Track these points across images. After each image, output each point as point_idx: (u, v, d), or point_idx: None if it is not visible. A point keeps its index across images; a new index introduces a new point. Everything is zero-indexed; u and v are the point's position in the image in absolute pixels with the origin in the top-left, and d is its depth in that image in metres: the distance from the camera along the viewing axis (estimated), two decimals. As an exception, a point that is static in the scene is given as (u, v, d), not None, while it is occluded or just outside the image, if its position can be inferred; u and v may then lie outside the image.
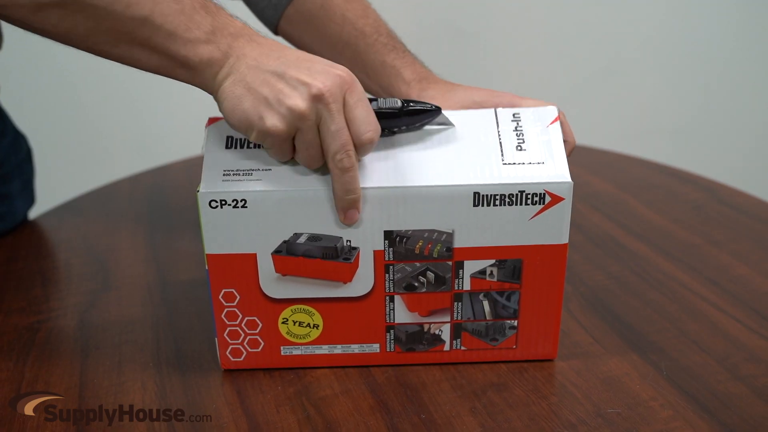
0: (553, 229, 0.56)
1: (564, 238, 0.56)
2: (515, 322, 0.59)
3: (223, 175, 0.55)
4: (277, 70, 0.51)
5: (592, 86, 1.80)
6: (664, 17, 1.78)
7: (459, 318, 0.59)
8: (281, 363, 0.60)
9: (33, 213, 0.93)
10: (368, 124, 0.52)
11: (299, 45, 0.78)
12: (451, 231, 0.55)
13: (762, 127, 1.93)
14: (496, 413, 0.55)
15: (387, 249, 0.56)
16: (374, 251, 0.56)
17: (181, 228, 0.87)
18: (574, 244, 0.80)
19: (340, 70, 0.52)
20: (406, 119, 0.57)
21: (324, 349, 0.60)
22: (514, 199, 0.54)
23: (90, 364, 0.62)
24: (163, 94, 1.60)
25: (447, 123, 0.58)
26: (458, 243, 0.56)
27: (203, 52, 0.52)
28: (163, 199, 0.96)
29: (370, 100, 0.54)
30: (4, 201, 0.85)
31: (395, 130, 0.57)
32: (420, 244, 0.56)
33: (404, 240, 0.56)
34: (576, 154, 1.08)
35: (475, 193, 0.54)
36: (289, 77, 0.50)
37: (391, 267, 0.57)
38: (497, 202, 0.54)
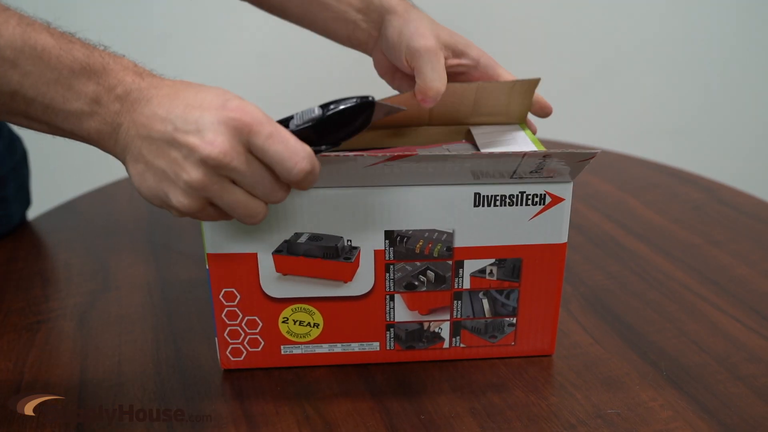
0: (552, 228, 0.56)
1: (563, 238, 0.56)
2: (514, 320, 0.59)
3: None
4: (166, 135, 0.44)
5: (592, 86, 1.80)
6: (664, 17, 1.78)
7: (459, 316, 0.59)
8: (281, 362, 0.60)
9: (33, 213, 0.93)
10: (292, 157, 0.44)
11: (270, 6, 0.71)
12: (451, 231, 0.56)
13: (762, 127, 1.93)
14: (495, 414, 0.55)
15: (387, 248, 0.56)
16: (375, 251, 0.56)
17: (181, 228, 0.87)
18: (574, 244, 0.80)
19: (234, 112, 0.43)
20: (340, 125, 0.48)
21: (324, 348, 0.60)
22: (514, 199, 0.54)
23: (90, 364, 0.62)
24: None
25: (394, 109, 0.52)
26: (458, 243, 0.56)
27: (89, 127, 0.45)
28: (163, 199, 0.96)
29: (285, 121, 0.48)
30: (0, 205, 0.85)
31: (323, 147, 0.48)
32: (420, 243, 0.56)
33: (405, 239, 0.56)
34: (576, 154, 1.08)
35: (476, 194, 0.54)
36: (179, 143, 0.43)
37: (391, 266, 0.57)
38: (498, 203, 0.55)
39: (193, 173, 0.43)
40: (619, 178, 0.99)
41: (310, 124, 0.47)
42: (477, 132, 0.65)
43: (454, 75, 0.62)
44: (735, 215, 0.87)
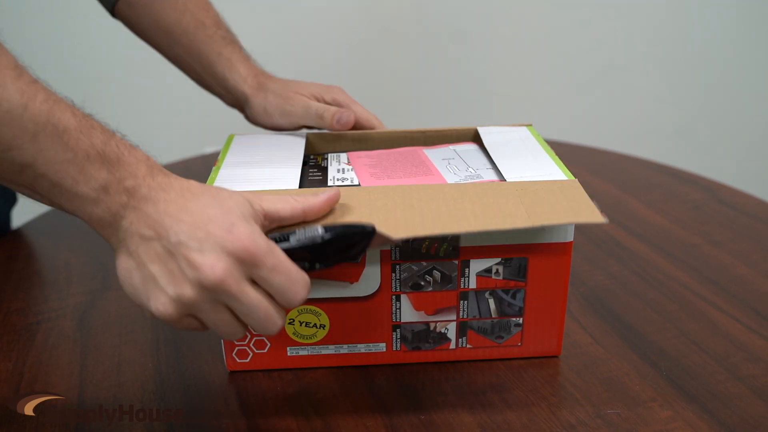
0: (558, 227, 0.56)
1: (569, 236, 0.56)
2: (520, 320, 0.59)
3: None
4: (168, 245, 0.44)
5: (592, 86, 1.80)
6: (664, 17, 1.78)
7: (465, 316, 0.59)
8: (287, 364, 0.60)
9: (32, 213, 0.93)
10: (293, 288, 0.45)
11: (136, 29, 0.80)
12: None
13: (762, 127, 1.93)
14: (495, 414, 0.55)
15: (393, 248, 0.56)
16: (381, 251, 0.56)
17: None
18: (575, 244, 0.80)
19: (239, 241, 0.43)
20: (338, 249, 0.49)
21: (330, 350, 0.60)
22: None
23: (90, 364, 0.62)
24: (162, 94, 1.60)
25: (389, 241, 0.50)
26: (464, 242, 0.56)
27: (91, 213, 0.45)
28: (163, 199, 0.96)
29: (285, 235, 0.48)
30: None
31: (317, 266, 0.49)
32: (426, 243, 0.56)
33: (411, 239, 0.56)
34: (576, 154, 1.08)
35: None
36: (179, 256, 0.43)
37: (397, 266, 0.57)
38: None
39: (187, 290, 0.43)
40: (619, 178, 0.99)
41: (310, 243, 0.47)
42: (485, 132, 0.65)
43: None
44: (735, 215, 0.87)
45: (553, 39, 1.73)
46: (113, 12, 0.81)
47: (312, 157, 0.66)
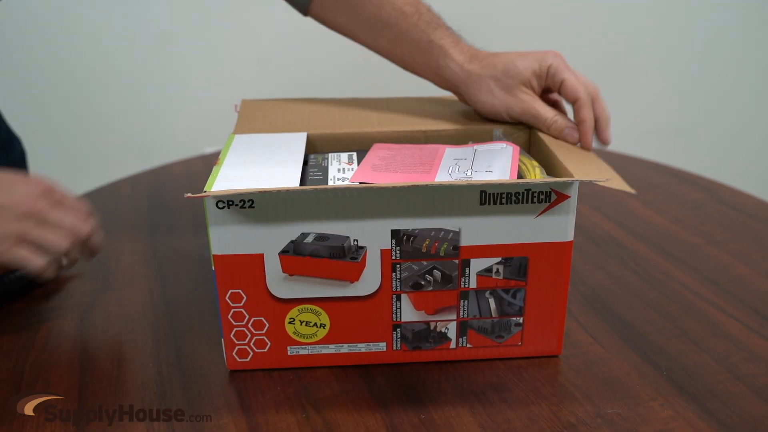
0: (558, 226, 0.56)
1: (569, 236, 0.56)
2: (521, 319, 0.59)
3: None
4: None
5: (592, 86, 1.80)
6: (665, 17, 1.78)
7: (465, 316, 0.59)
8: (288, 363, 0.60)
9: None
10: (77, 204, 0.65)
11: (334, 26, 0.77)
12: (457, 230, 0.55)
13: (762, 127, 1.93)
14: (495, 413, 0.55)
15: (394, 248, 0.56)
16: (381, 250, 0.56)
17: (181, 228, 0.87)
18: (575, 244, 0.80)
19: (35, 184, 0.62)
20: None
21: (330, 349, 0.60)
22: (520, 197, 0.54)
23: (90, 364, 0.62)
24: (162, 94, 1.61)
25: None
26: (465, 241, 0.56)
27: None
28: (163, 199, 0.96)
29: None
30: None
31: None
32: (427, 242, 0.56)
33: (411, 239, 0.56)
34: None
35: (482, 192, 0.54)
36: None
37: (398, 266, 0.57)
38: (504, 200, 0.54)
39: (5, 221, 0.60)
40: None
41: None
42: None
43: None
44: (735, 215, 0.87)
45: (553, 39, 1.73)
46: (306, 13, 0.79)
47: (312, 156, 0.66)
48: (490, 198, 0.54)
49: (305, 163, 0.64)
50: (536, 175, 0.59)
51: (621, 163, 1.05)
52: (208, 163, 1.09)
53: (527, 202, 0.55)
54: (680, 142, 1.87)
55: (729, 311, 0.67)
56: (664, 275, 0.74)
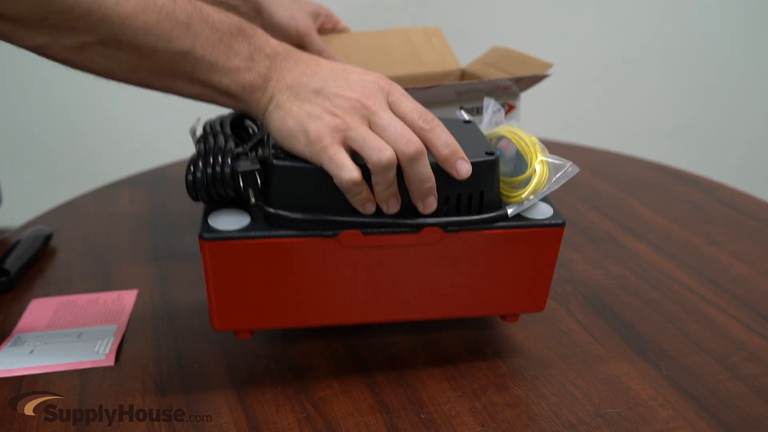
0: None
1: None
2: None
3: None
4: (315, 87, 0.52)
5: (592, 86, 1.80)
6: (665, 17, 1.78)
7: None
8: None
9: (32, 213, 0.93)
10: (418, 109, 0.53)
11: None
12: None
13: (762, 127, 1.93)
14: (496, 413, 0.55)
15: None
16: None
17: (181, 228, 0.87)
18: (575, 244, 0.80)
19: (374, 76, 0.53)
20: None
21: None
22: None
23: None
24: (163, 94, 1.60)
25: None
26: None
27: (244, 80, 0.52)
28: (163, 199, 0.96)
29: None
30: None
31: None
32: None
33: None
34: (576, 154, 1.08)
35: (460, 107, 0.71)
36: (327, 92, 0.52)
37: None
38: (477, 113, 0.74)
39: (339, 111, 0.51)
40: (619, 178, 0.99)
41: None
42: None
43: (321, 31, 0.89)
44: (735, 215, 0.87)
45: (552, 39, 1.73)
46: None
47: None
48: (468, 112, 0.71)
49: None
50: (537, 152, 0.57)
51: (621, 163, 1.05)
52: (208, 163, 1.09)
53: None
54: (680, 142, 1.87)
55: (729, 311, 0.67)
56: (664, 275, 0.74)
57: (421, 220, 0.53)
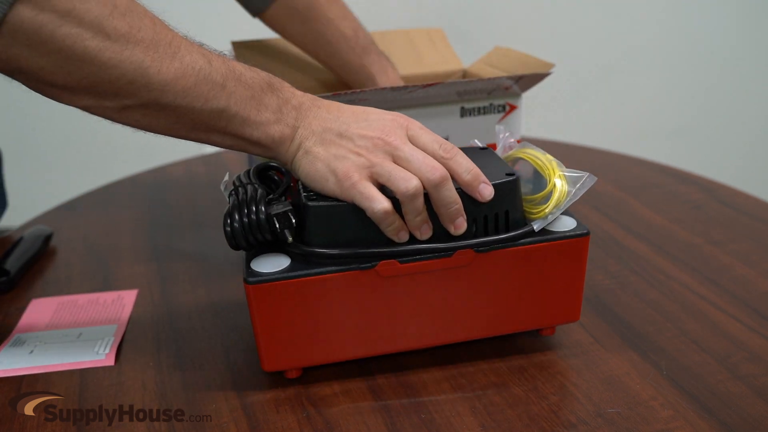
0: (512, 128, 0.75)
1: (520, 135, 0.78)
2: None
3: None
4: (339, 130, 0.55)
5: (592, 86, 1.80)
6: (664, 17, 1.78)
7: None
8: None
9: (33, 213, 0.93)
10: (438, 140, 0.55)
11: (282, 34, 0.89)
12: (446, 137, 0.63)
13: (762, 127, 1.93)
14: (496, 413, 0.55)
15: None
16: None
17: (181, 228, 0.87)
18: (574, 244, 0.80)
19: (392, 115, 0.56)
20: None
21: None
22: (488, 109, 0.75)
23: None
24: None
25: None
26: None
27: (274, 132, 0.55)
28: (163, 199, 0.96)
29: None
30: None
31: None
32: None
33: None
34: (576, 154, 1.08)
35: (461, 107, 0.73)
36: (351, 134, 0.55)
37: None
38: (477, 113, 0.74)
39: (363, 152, 0.54)
40: (619, 178, 0.99)
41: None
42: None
43: None
44: (735, 215, 0.87)
45: (552, 39, 1.73)
46: (255, 15, 0.88)
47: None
48: (468, 112, 0.74)
49: None
50: (554, 169, 0.59)
51: (621, 163, 1.05)
52: (208, 163, 1.09)
53: (492, 113, 0.74)
54: (680, 142, 1.87)
55: (729, 311, 0.67)
56: (664, 275, 0.74)
57: (453, 244, 0.55)
